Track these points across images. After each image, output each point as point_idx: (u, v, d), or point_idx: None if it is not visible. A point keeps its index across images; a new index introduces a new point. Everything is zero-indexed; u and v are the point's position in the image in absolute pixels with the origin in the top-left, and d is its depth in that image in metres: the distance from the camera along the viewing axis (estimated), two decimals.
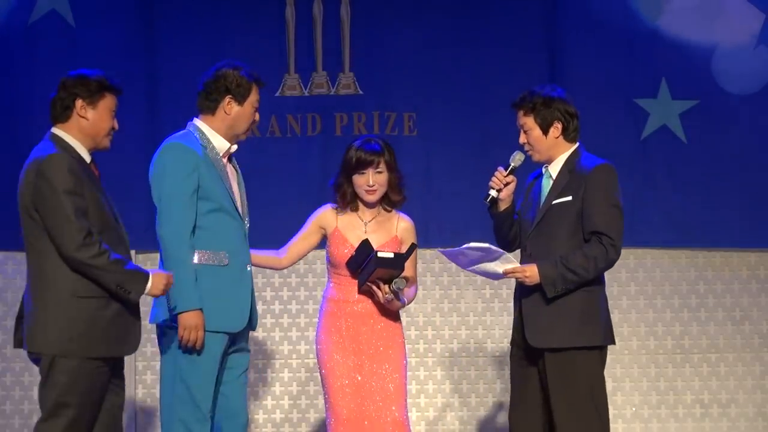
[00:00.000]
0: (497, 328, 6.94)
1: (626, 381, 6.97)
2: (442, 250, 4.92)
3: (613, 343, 4.81)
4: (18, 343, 4.42)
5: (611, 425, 6.90)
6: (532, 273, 4.64)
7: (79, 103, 4.36)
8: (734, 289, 7.03)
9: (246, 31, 6.96)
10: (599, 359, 4.72)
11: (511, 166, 4.83)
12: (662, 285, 7.03)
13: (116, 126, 4.46)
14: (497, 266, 4.71)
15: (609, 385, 6.90)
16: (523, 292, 4.76)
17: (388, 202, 5.20)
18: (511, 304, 5.08)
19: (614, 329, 6.91)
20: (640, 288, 7.04)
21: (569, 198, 4.69)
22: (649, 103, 6.99)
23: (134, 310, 4.38)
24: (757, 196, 6.92)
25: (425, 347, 6.97)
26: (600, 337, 4.70)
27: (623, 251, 6.90)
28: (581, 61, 6.97)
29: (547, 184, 4.80)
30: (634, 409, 6.95)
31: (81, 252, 4.19)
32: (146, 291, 4.31)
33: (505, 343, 6.21)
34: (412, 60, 6.96)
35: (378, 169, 5.12)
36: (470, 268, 4.83)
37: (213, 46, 6.92)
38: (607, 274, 6.91)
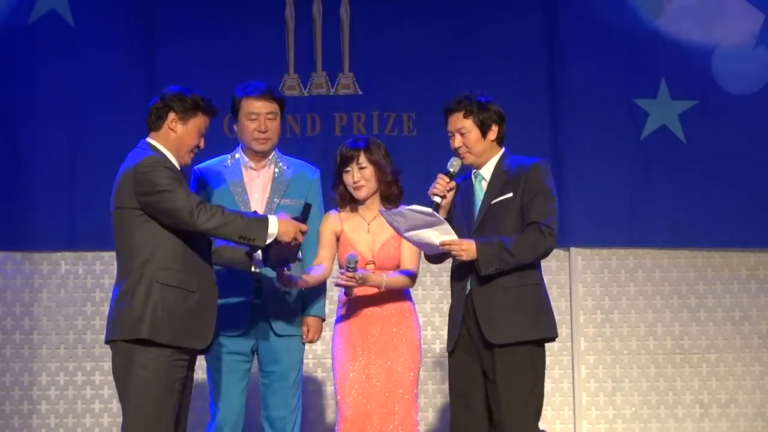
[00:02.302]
0: None
1: (625, 381, 6.97)
2: (381, 210, 4.93)
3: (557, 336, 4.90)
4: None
5: (611, 425, 6.94)
6: (468, 248, 4.68)
7: (171, 116, 4.56)
8: (733, 290, 7.04)
9: (245, 32, 6.97)
10: (543, 351, 4.81)
11: (450, 172, 4.86)
12: (661, 285, 7.04)
13: (202, 145, 4.66)
14: (435, 236, 4.72)
15: (608, 386, 6.93)
16: (474, 292, 4.77)
17: (384, 197, 5.21)
18: None
19: (614, 329, 7.00)
20: (640, 288, 7.04)
21: (510, 195, 4.77)
22: (649, 103, 6.99)
23: (212, 306, 4.53)
24: (756, 197, 6.92)
25: (424, 347, 6.95)
26: (553, 329, 4.82)
27: (622, 251, 7.04)
28: (581, 61, 6.97)
29: (480, 187, 4.86)
30: (633, 409, 6.95)
31: (197, 218, 4.38)
32: (273, 234, 4.47)
33: None
34: (412, 60, 6.97)
35: (360, 164, 5.15)
36: (407, 235, 4.81)
37: (212, 46, 6.93)
38: (606, 274, 7.00)
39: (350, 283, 4.93)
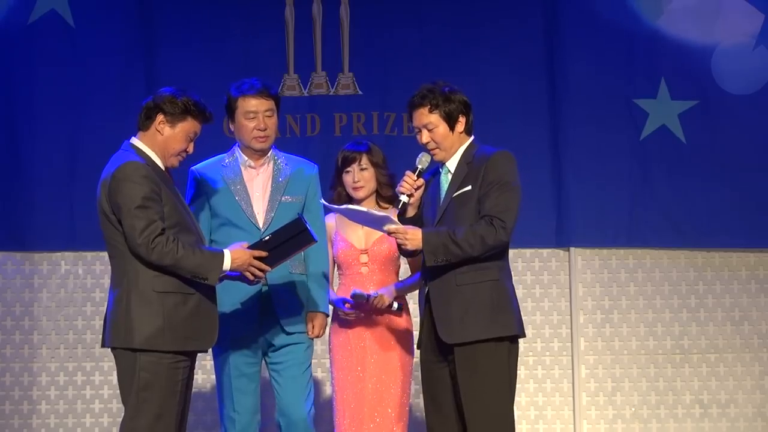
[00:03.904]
0: None
1: (625, 381, 6.97)
2: (325, 203, 4.92)
3: (525, 335, 4.68)
4: (102, 342, 4.53)
5: (611, 425, 6.93)
6: (413, 237, 4.54)
7: (159, 117, 4.49)
8: (733, 290, 7.03)
9: (245, 32, 6.97)
10: (508, 351, 4.58)
11: (418, 169, 4.69)
12: (661, 285, 7.03)
13: (190, 150, 4.58)
14: (383, 228, 4.64)
15: (608, 386, 6.93)
16: (430, 290, 4.65)
17: (380, 198, 5.32)
18: None
19: (614, 329, 6.99)
20: (639, 288, 7.04)
21: (469, 187, 4.59)
22: (649, 103, 6.99)
23: (212, 306, 4.50)
24: (756, 197, 6.92)
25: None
26: (513, 327, 4.57)
27: (622, 251, 7.04)
28: (581, 61, 6.97)
29: (446, 180, 4.70)
30: (633, 409, 6.95)
31: (151, 254, 4.32)
32: (226, 268, 4.42)
33: None
34: (412, 60, 6.96)
35: (362, 166, 5.29)
36: (363, 224, 4.82)
37: (212, 47, 6.94)
38: (606, 274, 6.99)
39: (380, 308, 5.18)
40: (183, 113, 4.50)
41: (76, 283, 6.93)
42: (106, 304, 4.54)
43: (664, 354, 6.99)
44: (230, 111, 5.05)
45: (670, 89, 6.98)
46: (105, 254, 6.69)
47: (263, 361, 5.10)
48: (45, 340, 6.90)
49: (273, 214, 4.98)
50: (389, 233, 4.62)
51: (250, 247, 4.52)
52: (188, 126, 4.52)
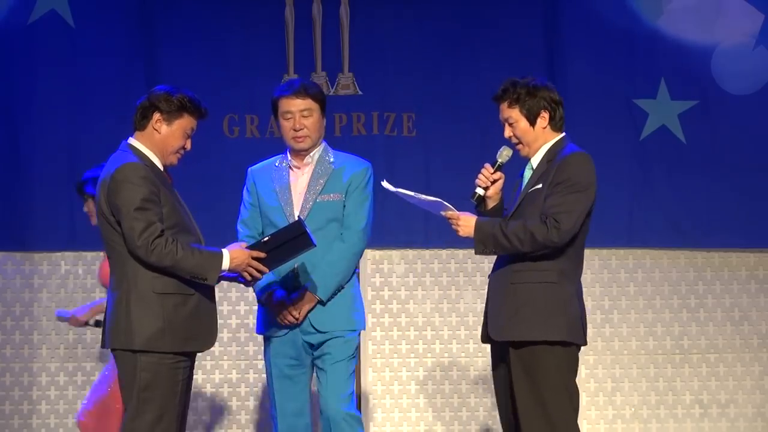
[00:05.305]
0: None
1: (625, 381, 6.97)
2: (385, 183, 4.75)
3: (584, 343, 4.53)
4: (102, 343, 4.53)
5: (611, 425, 6.93)
6: (466, 224, 4.53)
7: (156, 116, 4.48)
8: (733, 290, 7.04)
9: (245, 32, 6.97)
10: (563, 356, 4.44)
11: (498, 162, 4.63)
12: (661, 285, 7.04)
13: (188, 146, 4.56)
14: (439, 212, 4.63)
15: (608, 386, 6.93)
16: (489, 286, 4.62)
17: None
18: None
19: (614, 329, 6.99)
20: (639, 288, 7.04)
21: (540, 186, 4.50)
22: (649, 103, 7.00)
23: (211, 306, 4.50)
24: (756, 197, 6.92)
25: (424, 347, 6.98)
26: (563, 331, 4.42)
27: (622, 252, 7.04)
28: (581, 61, 6.97)
29: (528, 176, 4.61)
30: (633, 409, 6.96)
31: (150, 256, 4.30)
32: (225, 268, 4.41)
33: None
34: (411, 60, 6.97)
35: None
36: (419, 206, 4.75)
37: (212, 47, 6.94)
38: (606, 274, 7.00)
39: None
40: (179, 110, 4.49)
41: (76, 283, 6.94)
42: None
43: (664, 354, 7.00)
44: (274, 113, 5.06)
45: (670, 89, 6.98)
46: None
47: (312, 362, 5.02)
48: (45, 340, 6.91)
49: (307, 214, 4.93)
50: (445, 217, 4.59)
51: (249, 248, 4.51)
52: (185, 123, 4.51)
